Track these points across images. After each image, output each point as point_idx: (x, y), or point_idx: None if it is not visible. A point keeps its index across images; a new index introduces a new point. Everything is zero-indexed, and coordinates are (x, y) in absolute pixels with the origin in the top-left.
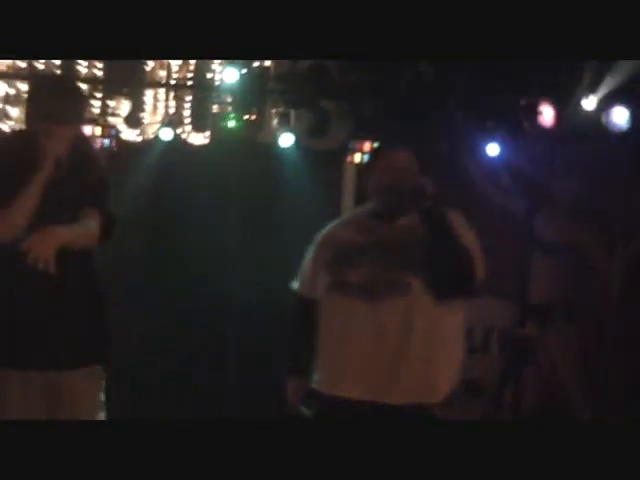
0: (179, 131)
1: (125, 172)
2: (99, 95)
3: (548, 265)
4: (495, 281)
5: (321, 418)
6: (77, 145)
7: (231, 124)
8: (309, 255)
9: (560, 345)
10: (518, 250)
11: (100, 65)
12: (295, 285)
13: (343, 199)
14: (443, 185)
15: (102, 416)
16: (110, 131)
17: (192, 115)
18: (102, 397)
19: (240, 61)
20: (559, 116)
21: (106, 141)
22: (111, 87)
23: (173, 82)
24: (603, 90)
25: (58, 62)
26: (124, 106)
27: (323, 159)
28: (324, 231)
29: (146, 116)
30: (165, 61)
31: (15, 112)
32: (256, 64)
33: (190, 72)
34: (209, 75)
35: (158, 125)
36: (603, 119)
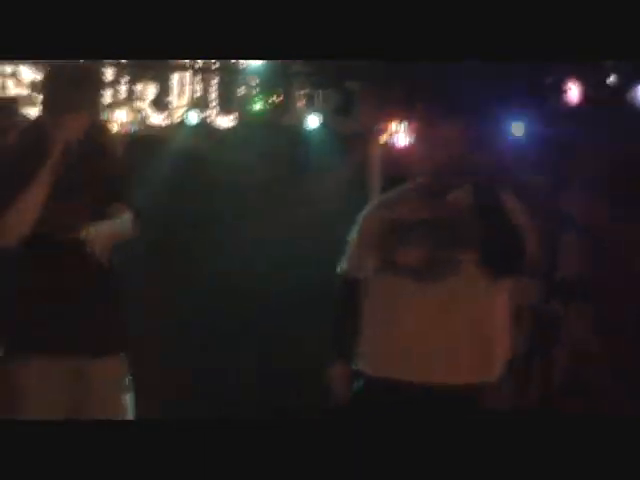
0: (205, 114)
1: (152, 155)
2: (125, 79)
3: (574, 243)
4: None
5: (367, 400)
6: (91, 134)
7: (257, 106)
8: (353, 234)
9: (587, 323)
10: (546, 228)
11: None
12: (340, 267)
13: (370, 180)
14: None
15: (126, 404)
16: (137, 115)
17: (218, 98)
18: (126, 385)
19: None
20: (584, 94)
21: (132, 125)
22: (137, 71)
23: (199, 65)
24: (628, 68)
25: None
26: (150, 90)
27: (349, 140)
28: (368, 209)
29: (172, 100)
30: None
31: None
32: None
33: None
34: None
35: (184, 108)
36: (628, 96)
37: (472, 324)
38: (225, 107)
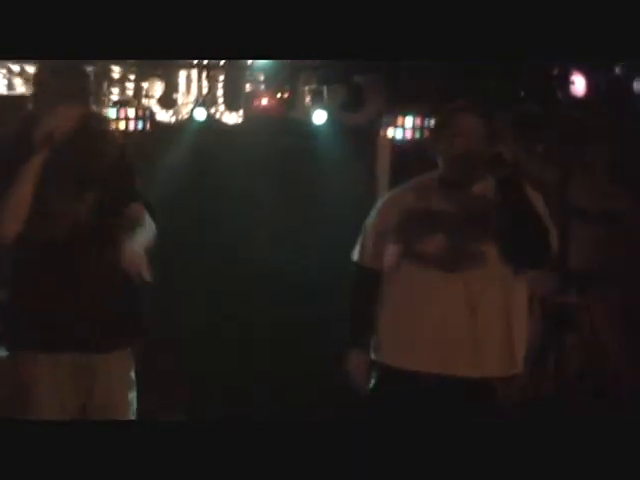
0: (213, 111)
1: (160, 152)
2: (132, 77)
3: (587, 233)
4: None
5: (386, 393)
6: (88, 126)
7: (264, 102)
8: (371, 223)
9: (601, 313)
10: (557, 219)
11: None
12: (355, 255)
13: (378, 174)
14: None
15: (132, 399)
16: (144, 113)
17: (225, 94)
18: (132, 380)
19: None
20: (591, 84)
21: (140, 122)
22: (144, 68)
23: (205, 62)
24: (635, 58)
25: None
26: (157, 87)
27: (357, 134)
28: (387, 197)
29: (179, 96)
30: None
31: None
32: None
33: None
34: None
35: (192, 105)
36: (635, 86)
37: (496, 317)
38: (232, 104)
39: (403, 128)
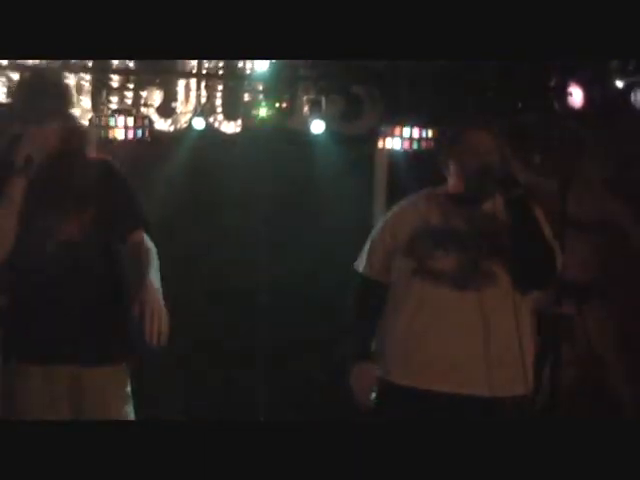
0: (211, 120)
1: (158, 161)
2: (131, 86)
3: (584, 244)
4: None
5: (393, 411)
6: (69, 143)
7: (262, 112)
8: (378, 236)
9: (597, 324)
10: (554, 231)
11: None
12: (360, 267)
13: (375, 184)
14: None
15: (128, 413)
16: (143, 121)
17: (224, 104)
18: (128, 395)
19: None
20: (588, 97)
21: (139, 131)
22: (143, 78)
23: (204, 72)
24: (632, 70)
25: None
26: (156, 96)
27: (355, 145)
28: (396, 211)
29: (178, 106)
30: None
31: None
32: None
33: (221, 61)
34: (240, 64)
35: (190, 115)
36: (632, 98)
37: (508, 336)
38: (231, 113)
39: (401, 138)
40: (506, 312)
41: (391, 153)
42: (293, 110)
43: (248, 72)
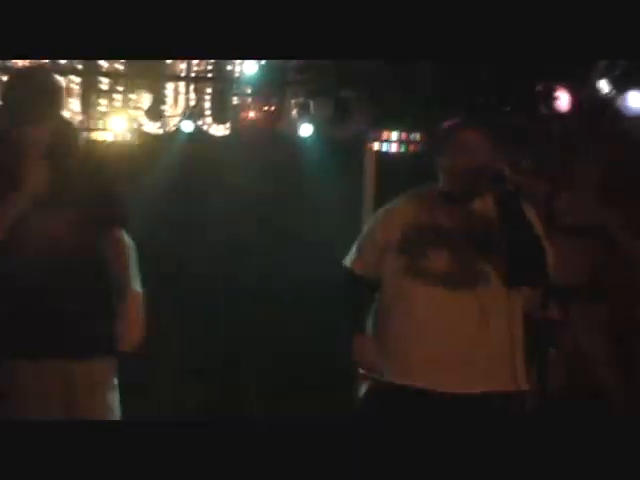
0: (200, 123)
1: (147, 164)
2: (120, 89)
3: (572, 248)
4: None
5: (390, 408)
6: (59, 142)
7: (251, 115)
8: (370, 234)
9: (584, 327)
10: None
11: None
12: (348, 262)
13: (364, 187)
14: None
15: (116, 406)
16: (132, 124)
17: (212, 107)
18: (113, 387)
19: None
20: (575, 101)
21: (128, 134)
22: (132, 81)
23: (193, 75)
24: (618, 75)
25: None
26: (145, 99)
27: (343, 148)
28: (388, 209)
29: (167, 109)
30: None
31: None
32: None
33: (210, 64)
34: (229, 67)
35: (179, 117)
36: (618, 103)
37: (501, 333)
38: (219, 116)
39: (389, 142)
40: (498, 310)
41: (379, 156)
42: (281, 113)
43: (237, 75)
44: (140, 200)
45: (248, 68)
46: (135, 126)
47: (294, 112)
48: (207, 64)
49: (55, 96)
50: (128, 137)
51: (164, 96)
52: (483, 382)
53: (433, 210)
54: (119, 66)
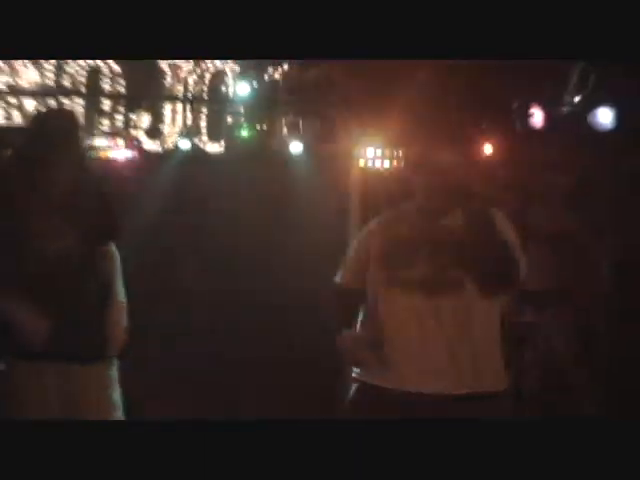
0: (196, 141)
1: (147, 179)
2: (122, 109)
3: (543, 255)
4: None
5: (377, 411)
6: (76, 171)
7: (244, 133)
8: (353, 247)
9: (555, 329)
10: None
11: (122, 81)
12: (338, 278)
13: (350, 200)
14: None
15: (117, 410)
16: (132, 142)
17: (208, 126)
18: (117, 391)
19: (251, 75)
20: (548, 118)
21: (129, 152)
22: (132, 102)
23: (190, 96)
24: (589, 93)
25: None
26: (145, 119)
27: (330, 164)
28: (370, 227)
29: (165, 128)
30: (182, 76)
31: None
32: (266, 77)
33: (205, 86)
34: (223, 89)
35: (177, 136)
36: (589, 119)
37: (478, 338)
38: (214, 134)
39: (374, 158)
40: (474, 314)
41: (365, 171)
42: (273, 132)
43: (230, 96)
44: (140, 212)
45: (241, 89)
46: (135, 144)
47: (285, 131)
48: (203, 85)
49: (77, 132)
50: (129, 155)
51: (163, 116)
52: (465, 383)
53: (410, 225)
54: (120, 88)
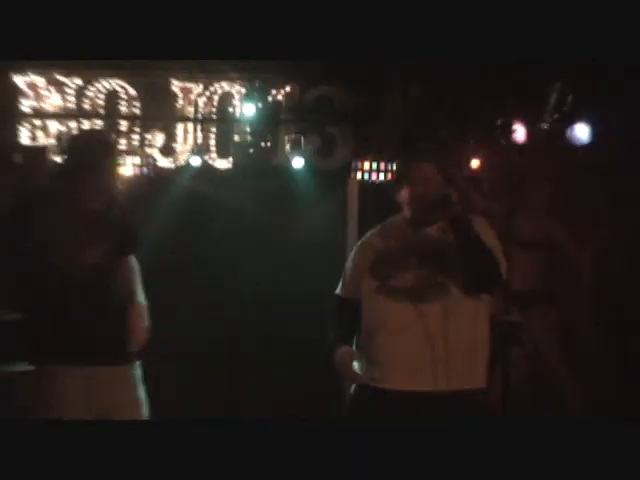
0: (206, 158)
1: (161, 193)
2: (137, 130)
3: (527, 259)
4: None
5: (371, 409)
6: (109, 189)
7: (250, 150)
8: (349, 261)
9: (540, 327)
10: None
11: (137, 104)
12: (338, 290)
13: (348, 211)
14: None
15: (142, 406)
16: (148, 160)
17: (217, 144)
18: (141, 388)
19: (256, 96)
20: (530, 133)
21: (144, 168)
22: (147, 123)
23: (200, 116)
24: (567, 110)
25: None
26: (159, 138)
27: (330, 177)
28: (363, 240)
29: (178, 146)
30: (193, 99)
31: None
32: (270, 98)
33: (214, 107)
34: (230, 109)
35: (188, 153)
36: (567, 134)
37: (463, 337)
38: (223, 152)
39: (370, 171)
40: (460, 317)
41: (361, 184)
42: (276, 148)
43: (237, 116)
44: (155, 224)
45: (247, 110)
46: (150, 162)
47: (287, 147)
48: (212, 107)
49: (111, 150)
50: (145, 171)
51: (175, 135)
52: (450, 380)
53: (399, 237)
54: (136, 110)
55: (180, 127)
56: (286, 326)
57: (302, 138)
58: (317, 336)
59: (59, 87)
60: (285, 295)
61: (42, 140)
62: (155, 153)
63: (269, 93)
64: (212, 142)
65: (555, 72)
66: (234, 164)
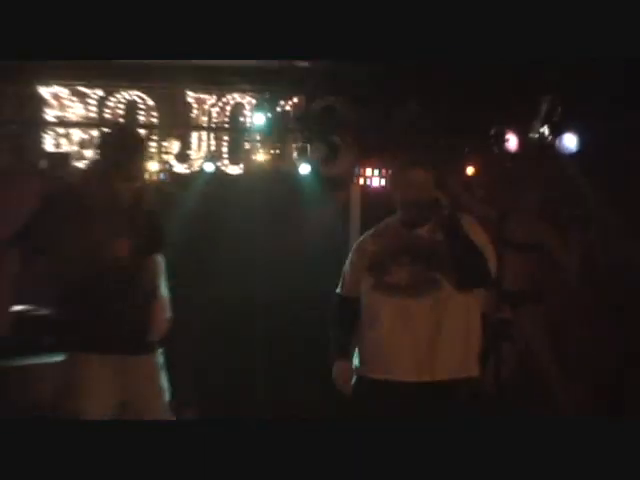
0: (219, 164)
1: (176, 198)
2: (155, 138)
3: (519, 260)
4: None
5: (369, 399)
6: (141, 192)
7: (260, 157)
8: (348, 261)
9: (530, 324)
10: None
11: (155, 113)
12: (338, 289)
13: (351, 214)
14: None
15: (164, 393)
16: (164, 166)
17: (229, 151)
18: (163, 377)
19: (266, 107)
20: (521, 142)
21: (161, 174)
22: (164, 131)
23: (213, 125)
24: (556, 120)
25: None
26: (175, 146)
27: (334, 183)
28: (360, 241)
29: (192, 153)
30: (206, 109)
31: (89, 154)
32: (279, 109)
33: (226, 117)
34: (241, 119)
35: (202, 160)
36: (556, 143)
37: (455, 330)
38: (234, 158)
39: (371, 177)
40: (452, 310)
41: (364, 189)
42: (284, 155)
43: (248, 125)
44: (172, 226)
45: (257, 119)
46: (167, 168)
47: (294, 154)
48: (224, 116)
49: (141, 147)
50: (161, 177)
51: (190, 143)
52: (444, 371)
53: (393, 237)
54: (153, 119)
55: (195, 135)
56: (286, 325)
57: (308, 146)
58: (322, 336)
59: (82, 98)
60: (285, 295)
61: (65, 147)
62: (171, 159)
63: (278, 104)
64: (224, 149)
65: (547, 82)
66: (245, 170)
